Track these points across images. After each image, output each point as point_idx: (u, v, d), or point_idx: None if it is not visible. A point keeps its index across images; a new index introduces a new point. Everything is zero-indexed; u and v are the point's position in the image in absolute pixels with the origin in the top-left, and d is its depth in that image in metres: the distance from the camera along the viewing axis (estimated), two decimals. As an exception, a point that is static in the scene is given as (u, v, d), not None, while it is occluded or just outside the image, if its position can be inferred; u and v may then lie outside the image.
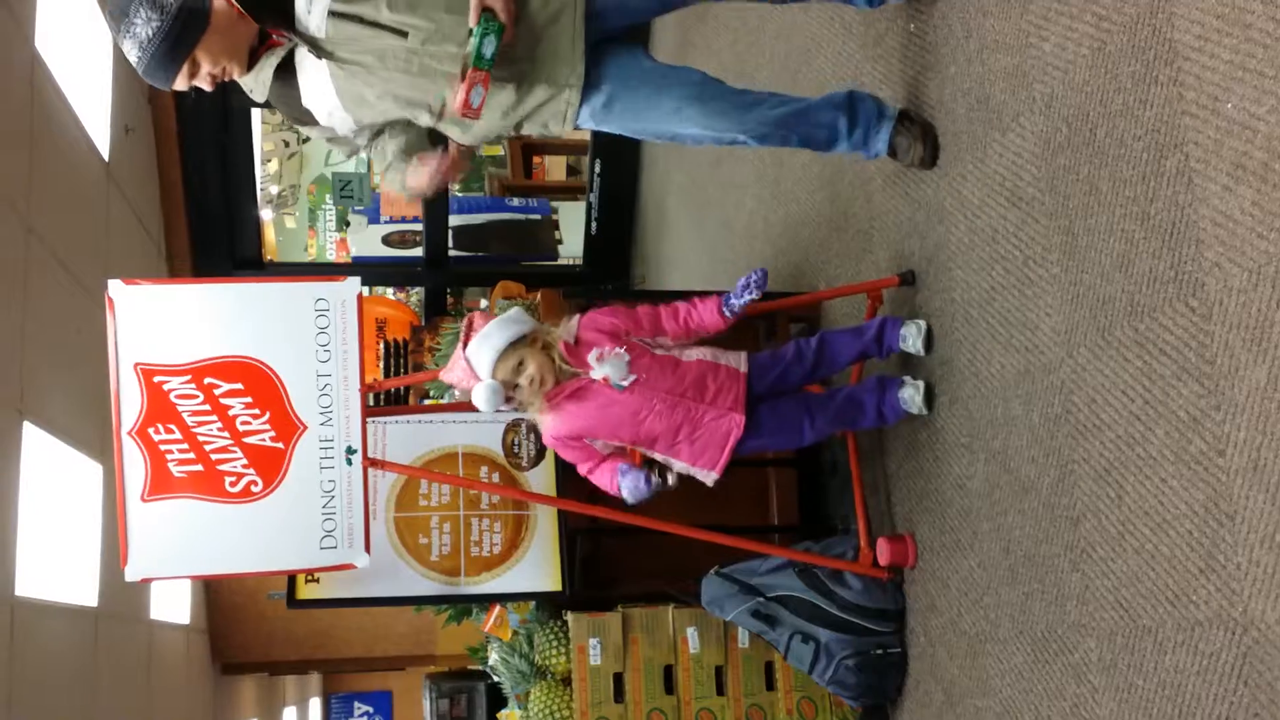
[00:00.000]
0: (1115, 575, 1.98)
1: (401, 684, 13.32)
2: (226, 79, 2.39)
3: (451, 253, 6.90)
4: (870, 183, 2.98)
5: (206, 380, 2.56)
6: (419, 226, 7.04)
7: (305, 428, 2.60)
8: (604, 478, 2.45)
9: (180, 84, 2.34)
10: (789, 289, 3.60)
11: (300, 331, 2.61)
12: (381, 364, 5.27)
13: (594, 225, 6.81)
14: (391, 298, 7.79)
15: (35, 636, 4.52)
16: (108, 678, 5.62)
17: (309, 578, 3.04)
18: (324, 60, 2.37)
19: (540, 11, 2.35)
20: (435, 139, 2.57)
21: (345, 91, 2.41)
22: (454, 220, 6.87)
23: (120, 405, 2.55)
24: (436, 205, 6.44)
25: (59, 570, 4.92)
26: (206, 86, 2.38)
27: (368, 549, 2.65)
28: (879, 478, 2.93)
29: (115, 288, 2.56)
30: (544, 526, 3.17)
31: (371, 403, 3.07)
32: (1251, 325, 1.65)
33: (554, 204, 7.69)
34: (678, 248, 5.72)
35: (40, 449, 4.60)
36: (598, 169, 6.59)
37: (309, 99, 2.45)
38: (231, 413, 2.57)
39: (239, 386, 2.57)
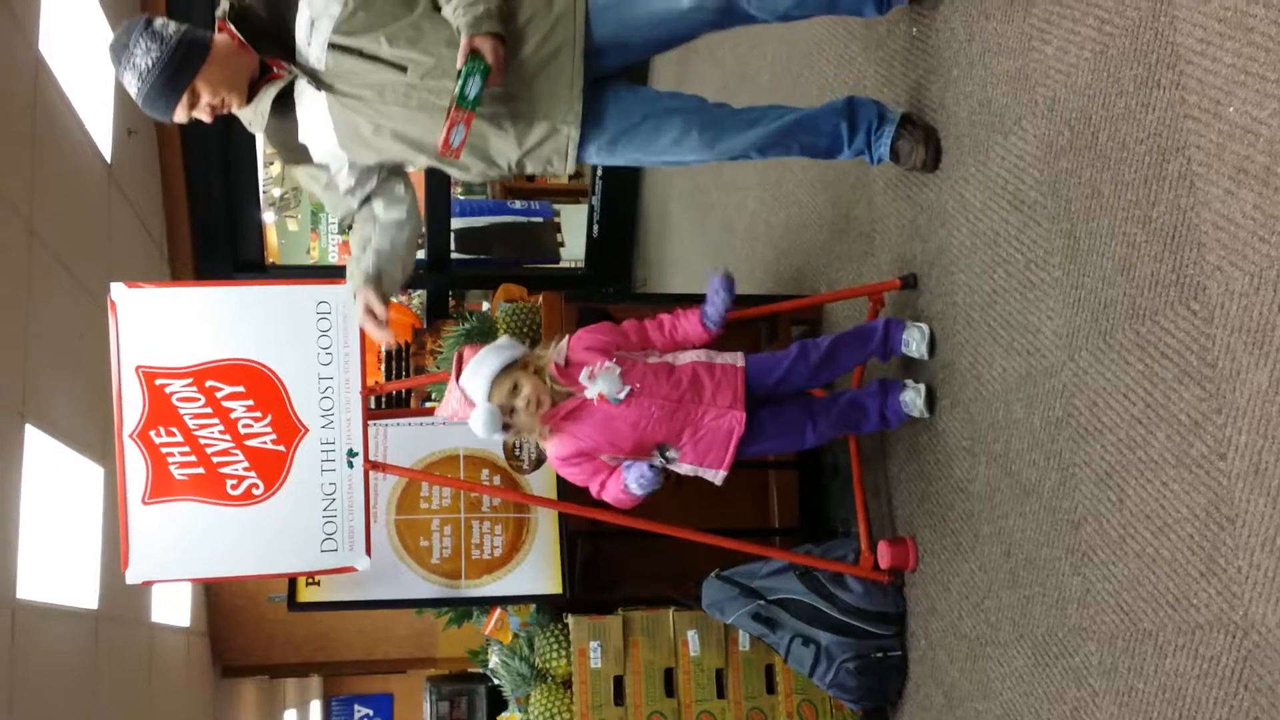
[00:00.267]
0: (1116, 579, 1.98)
1: (402, 687, 13.30)
2: (226, 110, 2.37)
3: (454, 255, 6.91)
4: (872, 185, 2.98)
5: (208, 383, 2.57)
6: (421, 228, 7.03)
7: (306, 430, 2.60)
8: (614, 488, 2.42)
9: (180, 115, 2.32)
10: (790, 292, 3.59)
11: (302, 334, 2.62)
12: (383, 367, 5.28)
13: (596, 228, 6.82)
14: (393, 300, 7.78)
15: (36, 639, 4.52)
16: (108, 680, 5.62)
17: (310, 580, 3.04)
18: (323, 92, 2.35)
19: (539, 49, 2.34)
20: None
21: (342, 125, 2.39)
22: (456, 223, 6.88)
23: (122, 408, 2.56)
24: (439, 208, 6.44)
25: (60, 573, 4.92)
26: (205, 118, 2.35)
27: (369, 551, 2.65)
28: (880, 480, 2.93)
29: (118, 290, 2.57)
30: (545, 529, 3.17)
31: (373, 405, 3.06)
32: (1253, 329, 1.65)
33: (556, 207, 7.69)
34: (680, 250, 5.71)
35: (42, 452, 4.60)
36: (600, 172, 6.60)
37: (306, 133, 2.43)
38: (233, 415, 2.57)
39: (241, 389, 2.58)
